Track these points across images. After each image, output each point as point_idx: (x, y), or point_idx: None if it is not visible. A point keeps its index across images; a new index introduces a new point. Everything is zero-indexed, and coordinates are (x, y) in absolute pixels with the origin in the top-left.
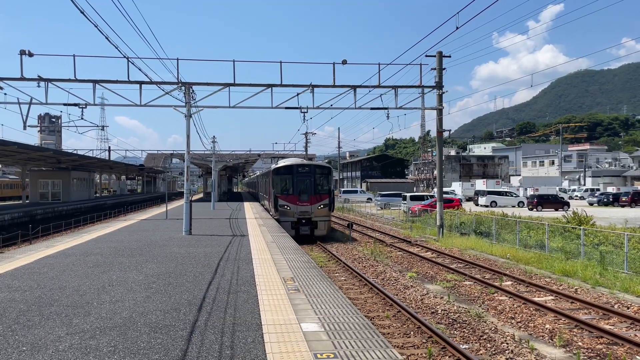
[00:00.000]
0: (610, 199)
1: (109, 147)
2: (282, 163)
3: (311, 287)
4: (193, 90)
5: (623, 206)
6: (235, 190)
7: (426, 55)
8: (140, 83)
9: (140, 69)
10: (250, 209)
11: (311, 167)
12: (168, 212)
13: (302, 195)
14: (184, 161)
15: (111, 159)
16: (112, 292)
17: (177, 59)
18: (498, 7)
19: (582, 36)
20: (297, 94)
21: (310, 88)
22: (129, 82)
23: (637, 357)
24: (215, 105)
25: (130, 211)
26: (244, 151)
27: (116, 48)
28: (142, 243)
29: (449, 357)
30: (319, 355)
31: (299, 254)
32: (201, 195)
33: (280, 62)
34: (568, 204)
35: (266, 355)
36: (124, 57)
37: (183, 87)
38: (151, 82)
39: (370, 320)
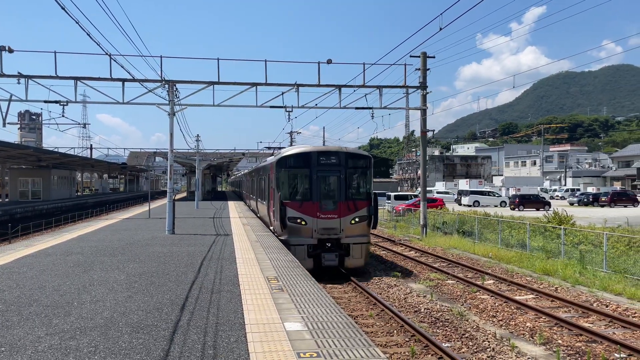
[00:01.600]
0: (590, 199)
1: (91, 145)
2: (292, 150)
3: (295, 287)
4: (177, 88)
5: (603, 206)
6: (219, 189)
7: (410, 56)
8: (123, 80)
9: (122, 67)
10: (234, 208)
11: (340, 155)
12: (151, 211)
13: (326, 202)
14: (167, 160)
15: (93, 157)
16: (93, 291)
17: (161, 57)
18: (481, 9)
19: (564, 38)
20: (282, 93)
21: (295, 87)
22: (111, 79)
23: (616, 354)
24: (199, 104)
25: (112, 210)
26: (229, 150)
27: (98, 45)
28: (124, 242)
29: (432, 355)
30: (302, 355)
31: (283, 253)
32: (185, 194)
33: (265, 61)
34: (549, 204)
35: (249, 354)
36: (106, 54)
37: (166, 85)
38: (134, 80)
39: (354, 319)
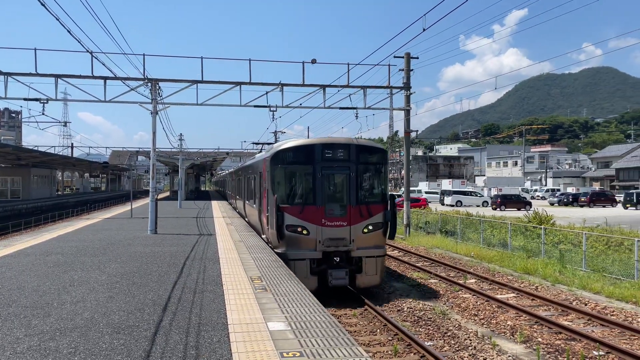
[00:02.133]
0: (570, 199)
1: (72, 143)
2: (291, 142)
3: (278, 286)
4: (159, 87)
5: (582, 206)
6: (202, 189)
7: (394, 57)
8: (105, 78)
9: (104, 64)
10: (218, 208)
11: (350, 149)
12: (133, 211)
13: (333, 207)
14: (149, 159)
15: (74, 156)
16: (73, 292)
17: (144, 55)
18: (464, 11)
19: (545, 40)
20: (267, 93)
21: (280, 87)
22: (93, 77)
23: (594, 352)
24: (182, 102)
25: (93, 209)
26: (212, 149)
27: (79, 42)
28: (105, 242)
29: (414, 354)
30: (285, 354)
31: (267, 252)
32: (168, 193)
33: (250, 60)
34: (530, 204)
35: (232, 354)
36: (88, 51)
37: (149, 84)
38: (116, 78)
39: (337, 318)
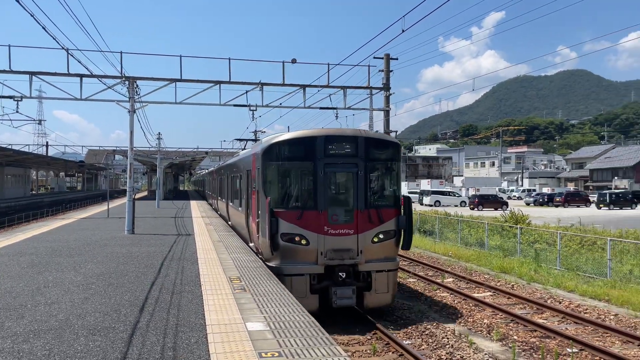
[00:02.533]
0: (546, 199)
1: (47, 142)
2: (287, 135)
3: (257, 287)
4: (137, 85)
5: (557, 206)
6: (181, 188)
7: (374, 57)
8: (81, 76)
9: (80, 62)
10: (197, 207)
11: (359, 142)
12: (110, 211)
13: (338, 211)
14: (127, 158)
15: (49, 155)
16: (47, 293)
17: (121, 52)
18: (443, 13)
19: (522, 43)
20: (246, 92)
21: (260, 86)
22: (69, 74)
23: (568, 349)
24: (160, 101)
25: (69, 209)
26: (191, 148)
27: (54, 39)
28: (81, 242)
29: (392, 352)
30: (263, 354)
31: (246, 253)
32: (145, 193)
33: (229, 59)
34: (507, 204)
35: (209, 355)
36: (63, 48)
37: (127, 82)
38: (92, 76)
39: (317, 318)
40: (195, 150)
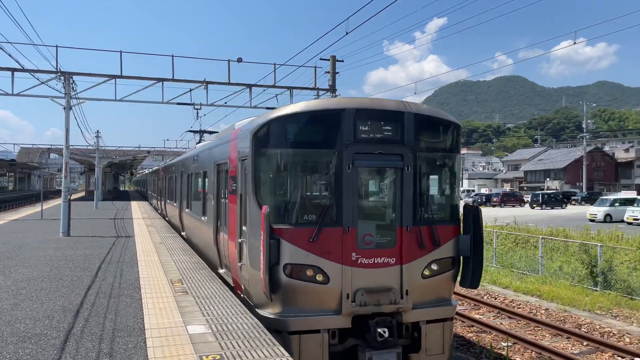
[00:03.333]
0: (484, 200)
1: None
2: (297, 106)
3: (200, 289)
4: (74, 81)
5: (494, 206)
6: (122, 189)
7: (320, 59)
8: (12, 70)
9: (10, 55)
10: (138, 208)
11: (406, 120)
12: (44, 212)
13: (371, 228)
14: (62, 157)
15: None
16: None
17: (56, 46)
18: (387, 17)
19: (463, 49)
20: (190, 90)
21: (204, 84)
22: None
23: (503, 343)
24: (99, 98)
25: None
26: (132, 147)
27: None
28: (11, 245)
29: None
30: (204, 357)
31: (189, 254)
32: (83, 193)
33: (173, 56)
34: None
35: None
36: None
37: (62, 77)
38: (25, 70)
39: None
40: (137, 149)
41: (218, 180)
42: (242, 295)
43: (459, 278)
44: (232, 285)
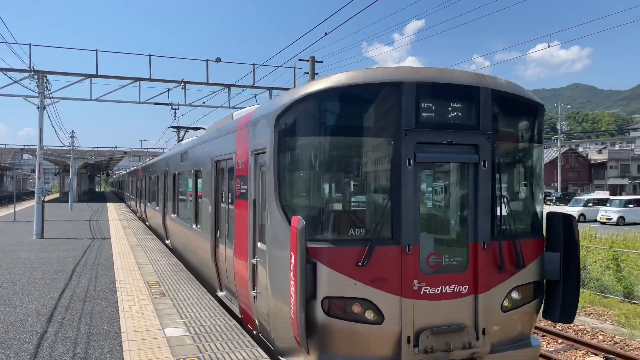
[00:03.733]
0: None
1: None
2: (336, 80)
3: (178, 291)
4: (48, 80)
5: None
6: (97, 190)
7: (299, 59)
8: None
9: None
10: (114, 210)
11: (483, 98)
12: (17, 214)
13: (434, 244)
14: (36, 157)
15: None
16: None
17: (30, 45)
18: (366, 18)
19: (441, 51)
20: (168, 90)
21: (182, 84)
22: None
23: None
24: (74, 97)
25: None
26: (109, 148)
27: None
28: None
29: None
30: None
31: (167, 256)
32: (57, 195)
33: (150, 55)
34: None
35: None
36: None
37: (36, 76)
38: None
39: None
40: (113, 149)
41: (217, 181)
42: (255, 332)
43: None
44: (239, 315)
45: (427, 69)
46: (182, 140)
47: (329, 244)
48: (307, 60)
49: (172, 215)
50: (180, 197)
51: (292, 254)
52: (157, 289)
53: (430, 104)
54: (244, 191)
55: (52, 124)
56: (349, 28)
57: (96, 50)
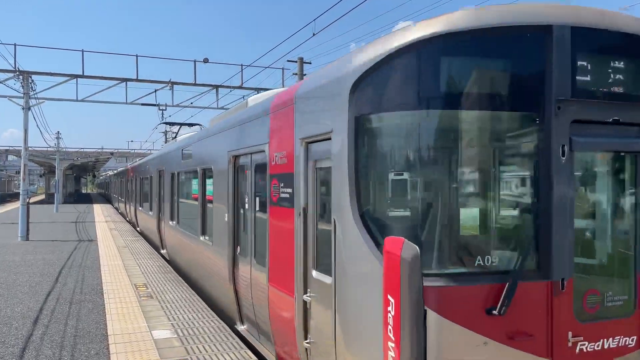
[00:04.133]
0: None
1: None
2: (456, 21)
3: (165, 293)
4: (33, 80)
5: None
6: (84, 191)
7: (288, 60)
8: None
9: None
10: (101, 211)
11: None
12: (1, 216)
13: (592, 278)
14: (21, 158)
15: None
16: None
17: (15, 45)
18: (353, 20)
19: None
20: (155, 90)
21: (170, 85)
22: None
23: None
24: (60, 98)
25: None
26: (95, 149)
27: None
28: None
29: None
30: None
31: (154, 258)
32: (43, 196)
33: (137, 56)
34: None
35: None
36: None
37: (21, 76)
38: None
39: None
40: (100, 150)
41: (236, 182)
42: None
43: None
44: None
45: (578, 8)
46: (175, 138)
47: (444, 281)
48: (296, 62)
49: (171, 223)
50: (182, 200)
51: (392, 299)
52: (144, 291)
53: (589, 63)
54: (287, 196)
55: (37, 125)
56: (337, 29)
57: (82, 51)
